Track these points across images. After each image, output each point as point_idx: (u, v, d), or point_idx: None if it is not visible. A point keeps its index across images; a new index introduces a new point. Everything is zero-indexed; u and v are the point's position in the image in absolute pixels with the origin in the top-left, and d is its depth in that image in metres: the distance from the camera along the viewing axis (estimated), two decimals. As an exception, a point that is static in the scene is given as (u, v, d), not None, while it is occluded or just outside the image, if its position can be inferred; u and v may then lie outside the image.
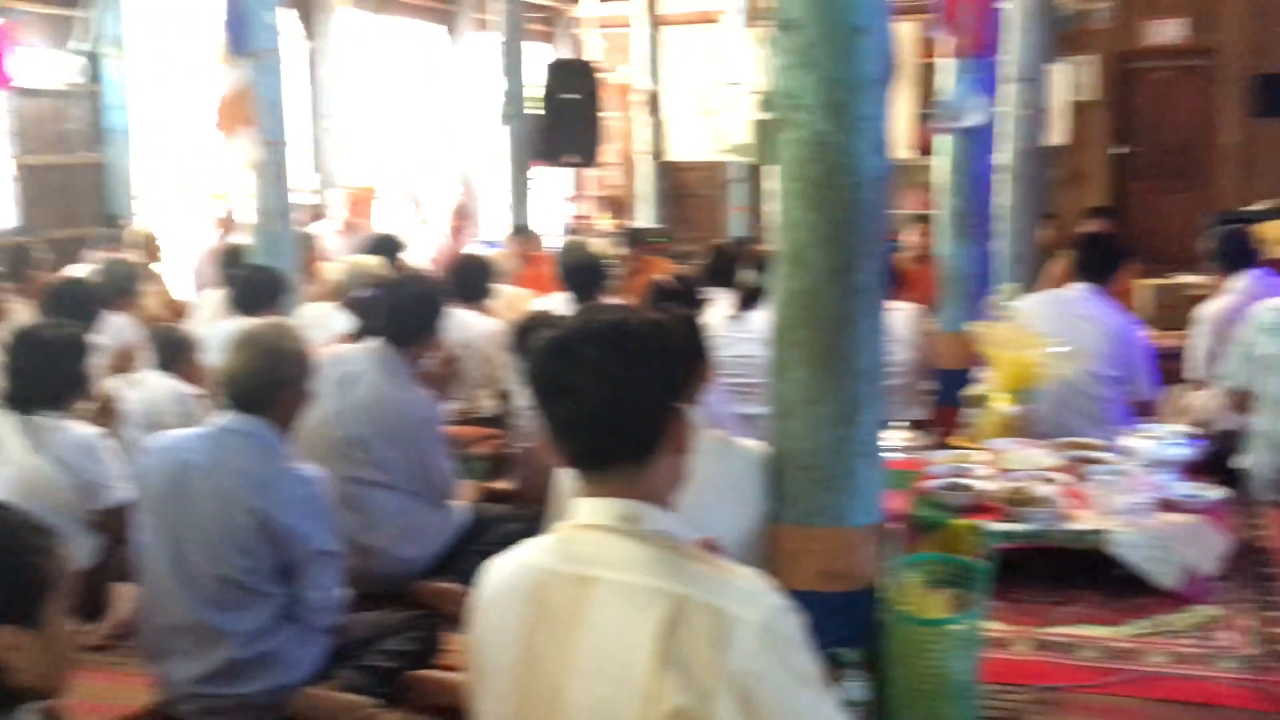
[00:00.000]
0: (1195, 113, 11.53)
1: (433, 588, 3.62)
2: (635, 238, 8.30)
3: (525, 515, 3.81)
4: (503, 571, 1.66)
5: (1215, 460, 4.19)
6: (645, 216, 11.79)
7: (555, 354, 1.57)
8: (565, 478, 2.50)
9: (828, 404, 2.50)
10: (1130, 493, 3.47)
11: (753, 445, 2.65)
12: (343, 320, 4.94)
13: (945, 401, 5.22)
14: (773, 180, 2.56)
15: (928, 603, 2.54)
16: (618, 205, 13.36)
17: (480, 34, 11.93)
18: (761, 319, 4.36)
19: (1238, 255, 5.35)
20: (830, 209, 2.47)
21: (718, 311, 4.82)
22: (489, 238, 9.86)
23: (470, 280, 5.58)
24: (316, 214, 9.21)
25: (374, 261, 5.77)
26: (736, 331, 4.66)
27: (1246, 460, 4.25)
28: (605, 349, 1.54)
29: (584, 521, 1.59)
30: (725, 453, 2.59)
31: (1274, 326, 4.20)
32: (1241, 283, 5.17)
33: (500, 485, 4.49)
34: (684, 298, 4.23)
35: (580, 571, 1.55)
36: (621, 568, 1.53)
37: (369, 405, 3.69)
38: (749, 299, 4.83)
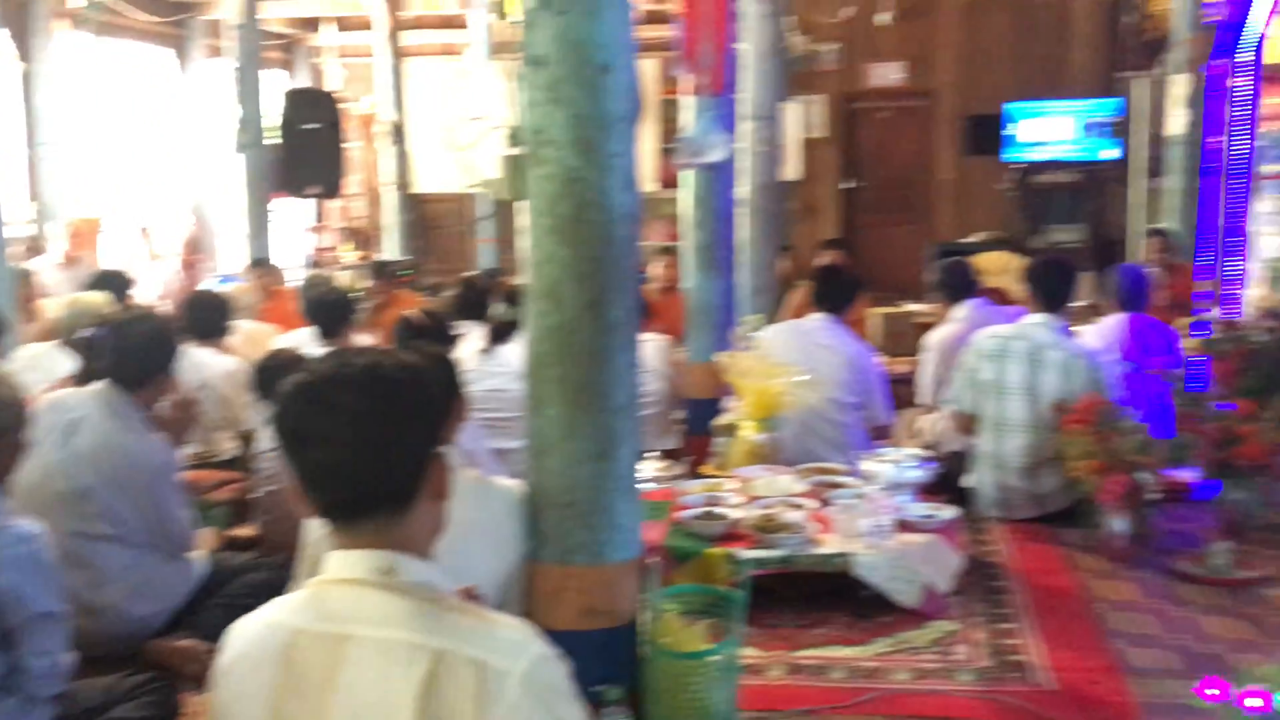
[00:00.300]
0: (915, 150, 12.33)
1: (170, 646, 3.40)
2: (381, 270, 8.13)
3: (270, 564, 3.65)
4: (249, 632, 1.56)
5: (945, 480, 4.42)
6: (391, 249, 11.58)
7: (305, 400, 1.49)
8: (315, 527, 2.39)
9: (584, 440, 2.50)
10: (871, 515, 3.61)
11: (510, 484, 2.61)
12: (64, 362, 4.62)
13: (696, 431, 5.31)
14: (524, 216, 2.54)
15: (686, 635, 2.56)
16: (362, 237, 13.09)
17: (213, 60, 11.48)
18: (514, 353, 4.34)
19: (959, 285, 5.70)
20: (582, 245, 2.47)
21: (469, 346, 4.76)
22: (226, 271, 9.49)
23: (205, 316, 5.33)
24: (34, 247, 8.64)
25: (99, 298, 5.42)
26: (489, 366, 4.62)
27: (972, 480, 4.51)
28: (358, 395, 1.48)
29: (337, 576, 1.52)
30: (482, 493, 2.55)
31: (994, 353, 4.48)
32: (963, 311, 5.51)
33: (242, 532, 4.29)
34: (435, 333, 4.14)
35: (334, 630, 1.48)
36: (378, 624, 1.46)
37: (95, 453, 3.45)
38: (501, 333, 4.80)
